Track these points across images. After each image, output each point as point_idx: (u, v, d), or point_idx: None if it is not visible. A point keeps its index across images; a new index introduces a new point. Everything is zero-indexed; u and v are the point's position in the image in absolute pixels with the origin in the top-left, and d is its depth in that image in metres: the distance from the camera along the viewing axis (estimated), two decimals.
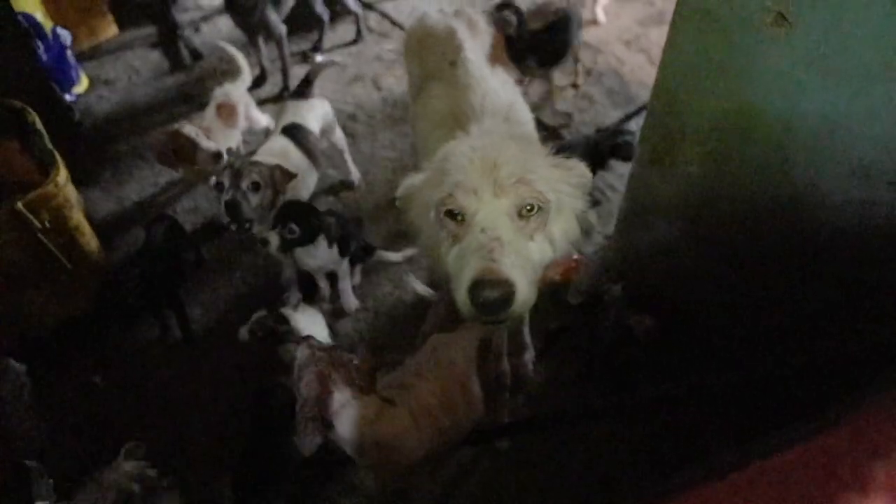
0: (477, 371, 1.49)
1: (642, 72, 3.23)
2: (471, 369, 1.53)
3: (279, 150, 2.13)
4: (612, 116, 2.95)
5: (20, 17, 2.52)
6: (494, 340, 1.78)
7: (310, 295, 2.29)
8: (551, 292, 2.26)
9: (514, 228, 1.12)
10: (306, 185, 2.25)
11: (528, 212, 1.15)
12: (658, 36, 3.45)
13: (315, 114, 2.36)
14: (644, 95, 3.07)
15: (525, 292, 1.06)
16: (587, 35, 3.43)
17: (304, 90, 2.41)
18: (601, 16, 3.52)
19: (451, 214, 1.15)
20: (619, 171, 2.70)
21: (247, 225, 1.91)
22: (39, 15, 2.89)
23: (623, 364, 1.98)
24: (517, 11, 2.67)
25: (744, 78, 1.33)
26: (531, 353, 2.09)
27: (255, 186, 1.88)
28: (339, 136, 2.54)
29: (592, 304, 2.15)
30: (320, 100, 2.45)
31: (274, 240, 1.86)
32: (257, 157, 2.04)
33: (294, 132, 2.23)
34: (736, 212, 1.52)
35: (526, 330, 2.07)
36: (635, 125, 2.93)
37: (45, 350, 2.15)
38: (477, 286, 1.03)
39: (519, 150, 1.20)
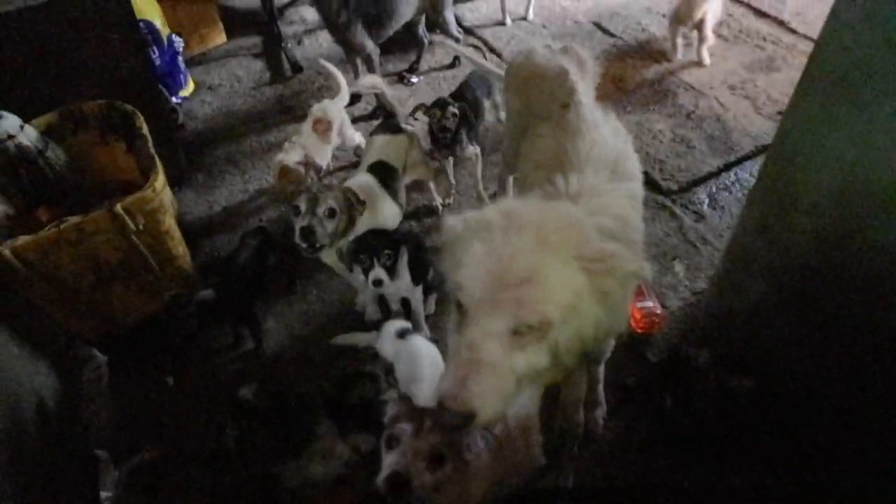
0: (540, 419, 1.43)
1: (746, 119, 3.08)
2: (534, 416, 1.46)
3: (361, 187, 2.11)
4: (710, 164, 2.82)
5: (142, 25, 2.66)
6: (572, 392, 1.71)
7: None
8: (629, 345, 2.16)
9: (502, 347, 1.03)
10: (386, 223, 2.22)
11: (528, 329, 1.05)
12: (765, 83, 3.28)
13: (399, 149, 2.33)
14: (746, 144, 2.92)
15: (490, 412, 1.03)
16: (690, 77, 3.31)
17: (390, 124, 2.39)
18: (706, 57, 3.38)
19: (458, 304, 1.10)
20: (713, 223, 2.57)
21: (319, 248, 1.91)
22: (158, 22, 3.05)
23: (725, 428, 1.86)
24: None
25: (878, 151, 1.21)
26: (603, 408, 2.00)
27: (331, 213, 1.88)
28: (422, 171, 2.51)
29: (675, 362, 2.03)
30: (410, 133, 2.42)
31: (383, 275, 1.86)
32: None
33: (380, 171, 2.22)
34: (849, 293, 1.39)
35: (600, 386, 1.98)
36: (734, 176, 2.79)
37: (126, 345, 2.23)
38: (441, 404, 1.01)
39: (540, 259, 1.05)
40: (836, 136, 1.28)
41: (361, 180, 2.18)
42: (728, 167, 2.84)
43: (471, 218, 1.14)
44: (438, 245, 1.22)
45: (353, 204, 1.95)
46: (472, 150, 2.57)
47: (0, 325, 1.90)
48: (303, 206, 1.86)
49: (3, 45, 2.20)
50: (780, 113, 3.11)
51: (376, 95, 2.65)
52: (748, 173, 2.80)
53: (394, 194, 2.23)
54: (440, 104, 2.39)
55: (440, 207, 2.65)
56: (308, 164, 2.43)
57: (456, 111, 2.40)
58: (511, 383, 1.04)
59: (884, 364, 1.44)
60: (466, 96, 2.59)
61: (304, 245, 1.87)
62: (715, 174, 2.80)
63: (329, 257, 2.06)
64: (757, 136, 2.96)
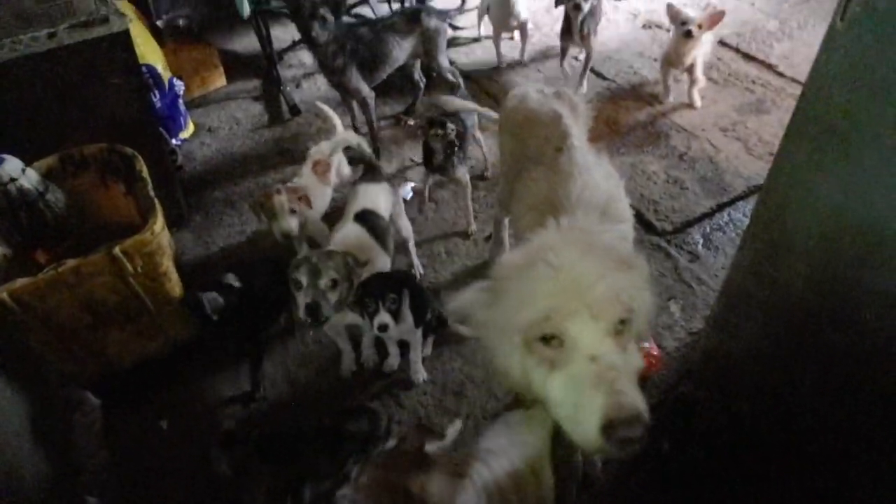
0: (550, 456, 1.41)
1: (738, 161, 3.13)
2: (544, 453, 1.45)
3: (354, 239, 2.11)
4: (703, 205, 2.85)
5: (144, 69, 2.71)
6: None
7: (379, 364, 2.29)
8: None
9: (617, 349, 1.03)
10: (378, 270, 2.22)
11: (621, 325, 1.07)
12: (756, 125, 3.35)
13: (386, 199, 2.34)
14: (739, 185, 2.96)
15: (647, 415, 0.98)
16: (682, 119, 3.38)
17: (374, 174, 2.40)
18: (697, 100, 3.45)
19: (545, 339, 1.06)
20: (708, 263, 2.59)
21: (324, 323, 1.89)
22: (160, 66, 3.10)
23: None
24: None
25: (865, 197, 1.23)
26: None
27: (334, 284, 1.86)
28: (405, 224, 2.50)
29: (673, 404, 2.03)
30: (392, 184, 2.44)
31: (388, 319, 1.85)
32: (334, 245, 2.05)
33: (366, 218, 2.21)
34: (844, 335, 1.40)
35: None
36: (728, 217, 2.83)
37: (120, 388, 2.22)
38: (613, 426, 0.93)
39: (600, 262, 1.11)
40: (824, 182, 1.30)
41: (350, 231, 2.17)
42: (721, 208, 2.87)
43: (522, 254, 1.17)
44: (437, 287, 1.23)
45: (353, 268, 1.93)
46: (463, 171, 2.65)
47: None
48: (304, 280, 1.83)
49: (11, 89, 2.23)
50: (771, 154, 3.15)
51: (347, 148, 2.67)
52: (741, 213, 2.83)
53: (383, 243, 2.21)
54: (439, 122, 2.48)
55: (419, 274, 2.61)
56: (303, 198, 2.43)
57: (454, 127, 2.49)
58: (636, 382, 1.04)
59: (881, 405, 1.44)
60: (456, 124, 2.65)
61: (308, 321, 1.84)
62: (709, 215, 2.83)
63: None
64: (749, 177, 3.01)
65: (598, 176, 1.63)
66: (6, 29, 2.13)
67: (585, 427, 0.96)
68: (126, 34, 2.35)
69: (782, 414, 1.74)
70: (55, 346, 2.04)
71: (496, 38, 3.84)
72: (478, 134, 3.00)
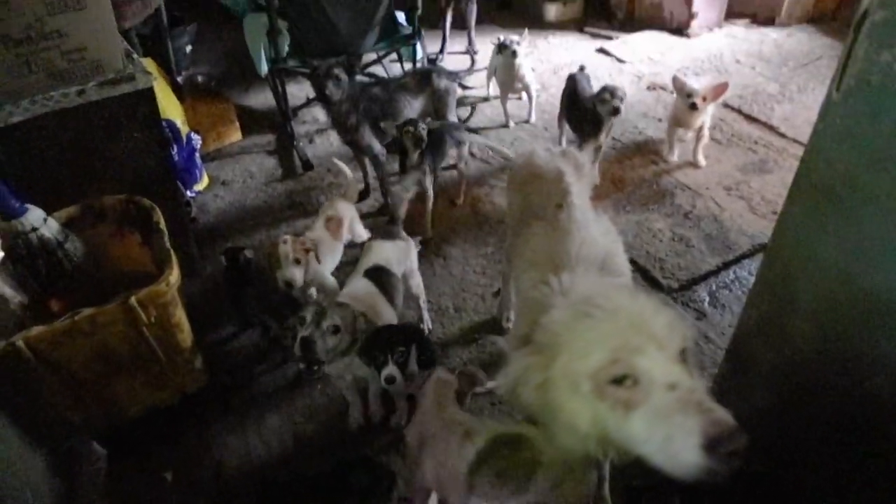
0: None
1: (742, 219, 3.18)
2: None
3: (364, 296, 2.13)
4: (709, 263, 2.88)
5: (165, 124, 2.80)
6: (578, 489, 1.69)
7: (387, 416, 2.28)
8: None
9: (688, 375, 1.05)
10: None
11: (682, 355, 1.09)
12: (759, 184, 3.41)
13: (399, 256, 2.37)
14: (744, 243, 3.00)
15: None
16: (686, 178, 3.44)
17: (391, 230, 2.45)
18: (702, 160, 3.53)
19: (616, 381, 1.06)
20: (715, 321, 2.60)
21: (315, 367, 1.91)
22: (179, 121, 3.21)
23: None
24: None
25: (866, 261, 1.26)
26: None
27: (335, 329, 1.88)
28: (417, 282, 2.52)
29: None
30: (406, 241, 2.47)
31: (396, 372, 1.86)
32: (342, 300, 2.08)
33: (377, 275, 2.24)
34: (852, 404, 1.40)
35: (606, 485, 1.94)
36: (733, 275, 2.85)
37: (126, 438, 2.21)
38: (716, 442, 0.94)
39: (648, 300, 1.15)
40: (827, 245, 1.33)
41: (360, 286, 2.20)
42: (727, 265, 2.90)
43: (565, 309, 1.19)
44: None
45: (361, 328, 1.96)
46: (430, 181, 2.96)
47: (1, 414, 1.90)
48: (308, 317, 1.86)
49: (40, 142, 2.32)
50: (774, 213, 3.21)
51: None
52: (747, 272, 2.86)
53: (391, 300, 2.24)
54: (411, 122, 2.86)
55: (427, 328, 2.62)
56: (309, 250, 2.46)
57: (426, 127, 2.84)
58: None
59: (891, 471, 1.43)
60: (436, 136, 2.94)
61: (300, 354, 1.86)
62: (714, 272, 2.86)
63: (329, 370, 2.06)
64: (754, 236, 3.05)
65: (596, 232, 1.69)
66: (40, 86, 2.22)
67: (685, 453, 0.96)
68: (150, 91, 2.44)
69: (792, 475, 1.72)
70: (65, 395, 2.05)
71: (503, 99, 3.97)
72: (465, 153, 3.33)
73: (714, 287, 2.79)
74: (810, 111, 4.01)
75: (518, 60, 3.66)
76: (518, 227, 1.98)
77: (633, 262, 2.89)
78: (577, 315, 1.15)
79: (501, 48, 3.68)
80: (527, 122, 4.01)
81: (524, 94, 4.07)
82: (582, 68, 3.54)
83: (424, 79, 3.17)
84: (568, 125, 3.51)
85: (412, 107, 3.14)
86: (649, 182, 3.44)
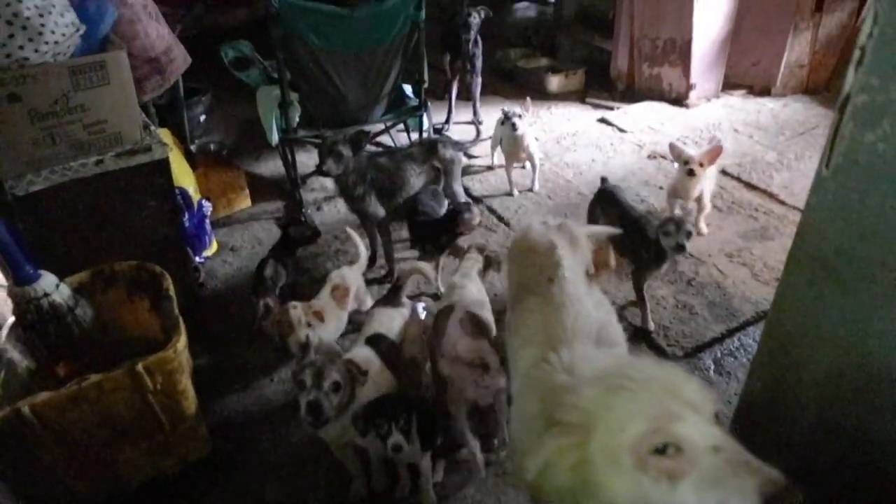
0: None
1: (745, 286, 3.20)
2: None
3: (363, 362, 2.14)
4: (713, 330, 2.89)
5: (177, 192, 2.88)
6: None
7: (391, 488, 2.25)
8: None
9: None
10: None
11: (716, 418, 1.11)
12: (761, 251, 3.45)
13: (402, 324, 2.40)
14: (747, 310, 3.01)
15: None
16: (689, 246, 3.47)
17: (393, 297, 2.48)
18: (703, 228, 3.58)
19: (658, 451, 1.06)
20: (721, 389, 2.59)
21: (325, 424, 1.92)
22: (192, 189, 3.30)
23: None
24: None
25: (862, 333, 1.28)
26: None
27: (336, 386, 1.91)
28: (420, 351, 2.51)
29: None
30: (409, 308, 2.50)
31: (402, 440, 1.87)
32: None
33: (378, 343, 2.26)
34: (858, 476, 1.39)
35: None
36: (738, 342, 2.85)
37: None
38: (775, 499, 0.95)
39: (674, 367, 1.18)
40: (826, 316, 1.36)
41: (360, 353, 2.22)
42: (731, 333, 2.90)
43: (594, 386, 1.20)
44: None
45: (356, 376, 1.98)
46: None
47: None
48: (308, 381, 1.88)
49: (57, 209, 2.39)
50: (777, 280, 3.22)
51: None
52: (751, 339, 2.86)
53: (393, 368, 2.25)
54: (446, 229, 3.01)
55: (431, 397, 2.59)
56: (317, 314, 2.49)
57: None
58: None
59: None
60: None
61: (309, 419, 1.88)
62: (719, 340, 2.86)
63: (326, 434, 2.06)
64: (757, 303, 3.06)
65: (589, 305, 1.72)
66: (61, 157, 2.31)
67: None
68: (165, 162, 2.54)
69: None
70: (67, 463, 2.04)
71: (508, 169, 4.08)
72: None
73: (719, 354, 2.79)
74: (808, 179, 3.95)
75: (519, 132, 3.77)
76: (514, 302, 2.00)
77: (636, 329, 2.90)
78: (609, 389, 1.16)
79: (504, 119, 3.80)
80: (530, 190, 4.09)
81: (528, 164, 4.17)
82: (604, 180, 3.38)
83: (430, 149, 3.27)
84: (613, 248, 3.10)
85: (418, 176, 3.23)
86: None
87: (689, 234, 2.62)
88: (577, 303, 1.70)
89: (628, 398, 1.12)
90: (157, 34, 2.95)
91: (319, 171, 3.00)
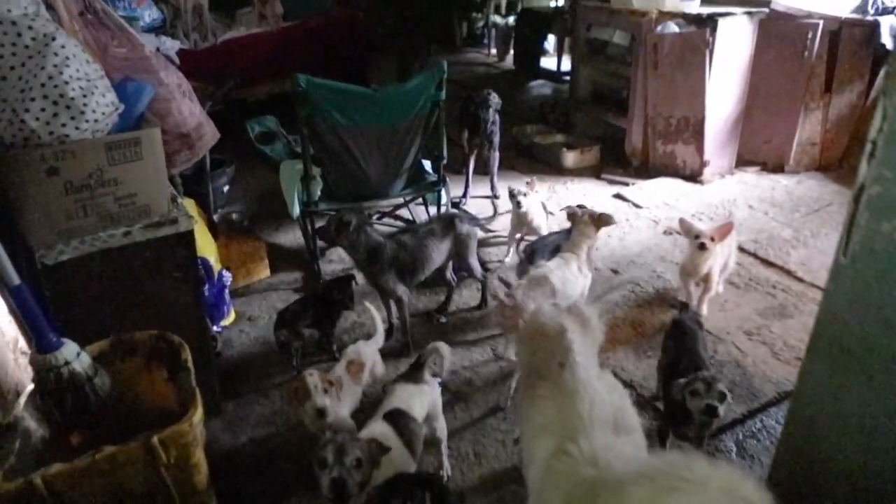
0: None
1: (765, 365, 3.15)
2: None
3: (380, 438, 2.10)
4: (734, 411, 2.83)
5: (199, 262, 2.94)
6: None
7: None
8: None
9: None
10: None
11: None
12: (781, 329, 3.41)
13: (422, 400, 2.37)
14: (768, 391, 2.96)
15: None
16: (707, 323, 3.45)
17: (414, 374, 2.47)
18: (704, 309, 3.53)
19: None
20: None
21: (348, 501, 1.88)
22: (213, 259, 3.37)
23: None
24: None
25: (891, 424, 1.26)
26: None
27: (358, 463, 1.88)
28: (441, 426, 2.50)
29: None
30: (431, 385, 2.48)
31: None
32: None
33: (396, 418, 2.24)
34: None
35: None
36: (760, 423, 2.78)
37: None
38: None
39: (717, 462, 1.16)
40: (850, 402, 1.34)
41: (377, 429, 2.19)
42: (753, 414, 2.84)
43: (647, 485, 1.18)
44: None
45: (376, 454, 1.95)
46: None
47: None
48: (330, 458, 1.86)
49: (83, 279, 2.44)
50: (797, 359, 3.18)
51: None
52: (774, 420, 2.79)
53: (409, 446, 2.21)
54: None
55: (446, 475, 2.56)
56: (334, 382, 2.48)
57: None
58: None
59: None
60: None
61: (332, 496, 1.85)
62: (740, 421, 2.80)
63: None
64: (778, 383, 3.01)
65: (602, 390, 1.69)
66: (91, 228, 2.38)
67: None
68: (190, 234, 2.60)
69: None
70: None
71: (510, 239, 4.17)
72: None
73: (741, 436, 2.72)
74: (825, 256, 4.07)
75: (523, 209, 3.85)
76: (525, 388, 1.99)
77: (655, 409, 2.84)
78: (662, 490, 1.13)
79: (510, 196, 3.89)
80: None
81: None
82: (683, 308, 3.17)
83: (448, 224, 3.33)
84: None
85: (438, 251, 3.28)
86: None
87: (721, 396, 2.15)
88: (591, 388, 1.68)
89: (686, 499, 1.09)
90: (190, 111, 3.09)
91: (323, 239, 3.11)
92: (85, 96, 2.25)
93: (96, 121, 2.30)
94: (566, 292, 2.98)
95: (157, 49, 5.08)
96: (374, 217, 4.35)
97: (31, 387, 2.26)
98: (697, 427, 2.27)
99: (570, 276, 3.07)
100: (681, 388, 2.23)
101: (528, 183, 3.95)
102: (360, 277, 3.46)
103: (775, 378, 3.04)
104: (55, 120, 2.19)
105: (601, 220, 3.28)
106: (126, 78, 2.64)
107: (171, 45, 5.68)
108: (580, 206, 3.38)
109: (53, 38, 2.20)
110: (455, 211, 4.03)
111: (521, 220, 3.98)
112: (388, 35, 8.22)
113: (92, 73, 2.33)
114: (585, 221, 3.25)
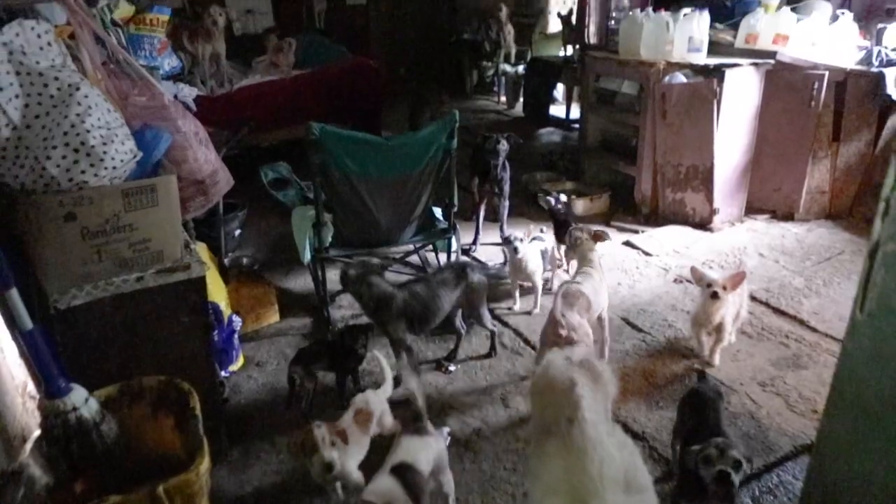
0: None
1: (780, 417, 3.09)
2: None
3: (386, 493, 2.09)
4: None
5: (210, 307, 2.95)
6: None
7: None
8: None
9: None
10: None
11: None
12: (795, 380, 3.35)
13: (428, 454, 2.33)
14: (784, 444, 2.89)
15: None
16: (719, 373, 3.41)
17: (419, 426, 2.43)
18: (716, 360, 3.50)
19: None
20: None
21: None
22: (223, 304, 3.37)
23: None
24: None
25: None
26: None
27: None
28: (448, 479, 2.46)
29: None
30: (437, 437, 2.45)
31: None
32: (365, 497, 2.05)
33: (403, 473, 2.19)
34: None
35: None
36: (777, 478, 2.71)
37: None
38: None
39: None
40: (873, 465, 1.31)
41: (384, 483, 2.15)
42: (769, 468, 2.77)
43: None
44: None
45: None
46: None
47: None
48: None
49: (94, 323, 2.45)
50: (814, 411, 3.12)
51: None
52: (791, 475, 2.72)
53: (417, 502, 2.16)
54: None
55: None
56: (341, 433, 2.44)
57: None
58: None
59: None
60: None
61: None
62: (756, 476, 2.72)
63: None
64: (795, 436, 2.94)
65: (612, 448, 1.66)
66: (105, 273, 2.40)
67: None
68: (202, 280, 2.61)
69: None
70: None
71: (513, 286, 4.16)
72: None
73: (757, 492, 2.65)
74: (839, 305, 4.04)
75: (520, 255, 3.87)
76: (535, 445, 1.95)
77: (667, 462, 2.78)
78: None
79: (506, 243, 3.91)
80: (528, 313, 4.10)
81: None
82: (701, 377, 2.88)
83: (460, 273, 3.35)
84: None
85: (449, 300, 3.28)
86: (681, 377, 3.41)
87: (736, 464, 2.02)
88: (601, 447, 1.64)
89: None
90: (205, 159, 3.14)
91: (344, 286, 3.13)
92: (105, 144, 2.30)
93: (114, 168, 2.34)
94: (598, 302, 3.28)
95: (175, 96, 5.21)
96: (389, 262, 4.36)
97: (37, 432, 2.25)
98: (714, 498, 2.10)
99: (597, 287, 3.31)
100: (694, 455, 2.10)
101: (525, 230, 3.98)
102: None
103: (791, 431, 2.98)
104: (75, 167, 2.24)
105: (598, 237, 3.64)
106: (145, 125, 2.70)
107: (189, 92, 5.82)
108: (577, 228, 3.75)
109: (77, 88, 2.27)
110: (466, 260, 4.03)
111: (516, 267, 4.00)
112: (400, 82, 8.40)
113: (113, 121, 2.38)
114: (586, 239, 3.59)
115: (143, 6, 6.24)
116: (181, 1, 8.26)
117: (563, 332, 2.80)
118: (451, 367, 3.50)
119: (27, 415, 2.52)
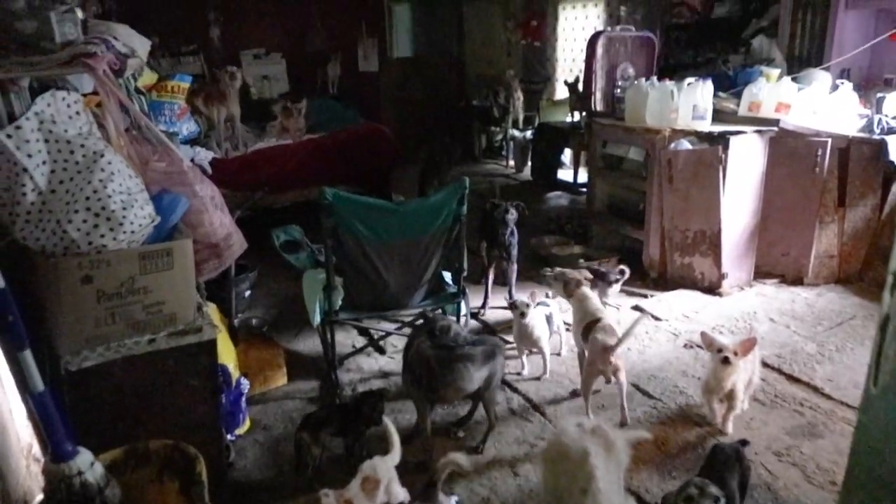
0: None
1: (798, 489, 3.00)
2: None
3: None
4: None
5: (219, 370, 2.95)
6: None
7: None
8: None
9: None
10: None
11: None
12: (811, 450, 3.28)
13: None
14: None
15: None
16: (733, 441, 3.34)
17: (429, 494, 2.41)
18: (729, 428, 3.43)
19: None
20: None
21: None
22: (232, 366, 3.37)
23: None
24: None
25: None
26: None
27: None
28: None
29: None
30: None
31: None
32: None
33: None
34: None
35: None
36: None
37: None
38: None
39: None
40: None
41: None
42: None
43: None
44: None
45: None
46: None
47: None
48: None
49: (104, 385, 2.45)
50: (832, 483, 3.05)
51: None
52: None
53: None
54: None
55: None
56: (348, 502, 2.40)
57: None
58: None
59: None
60: None
61: None
62: None
63: None
64: None
65: None
66: (117, 335, 2.43)
67: None
68: (213, 343, 2.63)
69: None
70: None
71: (519, 352, 4.14)
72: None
73: None
74: (853, 372, 3.98)
75: (526, 320, 3.86)
76: None
77: None
78: None
79: (512, 308, 3.91)
80: (538, 378, 4.06)
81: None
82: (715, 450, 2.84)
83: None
84: None
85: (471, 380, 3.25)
86: (694, 445, 3.34)
87: (715, 500, 2.03)
88: None
89: None
90: (220, 222, 3.20)
91: None
92: (125, 209, 2.36)
93: (133, 232, 2.40)
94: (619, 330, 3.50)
95: (192, 159, 5.36)
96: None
97: (40, 497, 2.22)
98: None
99: (615, 318, 3.70)
100: (674, 496, 2.08)
101: (531, 294, 3.98)
102: (377, 386, 3.41)
103: None
104: (95, 231, 2.30)
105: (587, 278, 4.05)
106: (163, 190, 2.78)
107: (205, 156, 5.99)
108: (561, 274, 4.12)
109: (102, 155, 2.35)
110: (495, 340, 3.90)
111: (522, 333, 3.97)
112: (412, 147, 8.58)
113: (133, 186, 2.46)
114: (581, 285, 3.92)
115: (166, 74, 6.49)
116: (202, 68, 8.60)
117: (614, 360, 3.08)
118: (461, 433, 3.45)
119: (30, 478, 2.49)
